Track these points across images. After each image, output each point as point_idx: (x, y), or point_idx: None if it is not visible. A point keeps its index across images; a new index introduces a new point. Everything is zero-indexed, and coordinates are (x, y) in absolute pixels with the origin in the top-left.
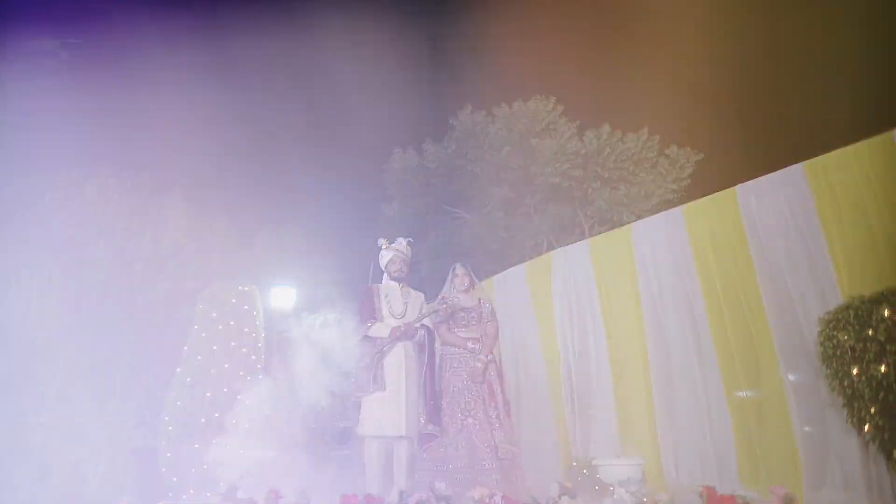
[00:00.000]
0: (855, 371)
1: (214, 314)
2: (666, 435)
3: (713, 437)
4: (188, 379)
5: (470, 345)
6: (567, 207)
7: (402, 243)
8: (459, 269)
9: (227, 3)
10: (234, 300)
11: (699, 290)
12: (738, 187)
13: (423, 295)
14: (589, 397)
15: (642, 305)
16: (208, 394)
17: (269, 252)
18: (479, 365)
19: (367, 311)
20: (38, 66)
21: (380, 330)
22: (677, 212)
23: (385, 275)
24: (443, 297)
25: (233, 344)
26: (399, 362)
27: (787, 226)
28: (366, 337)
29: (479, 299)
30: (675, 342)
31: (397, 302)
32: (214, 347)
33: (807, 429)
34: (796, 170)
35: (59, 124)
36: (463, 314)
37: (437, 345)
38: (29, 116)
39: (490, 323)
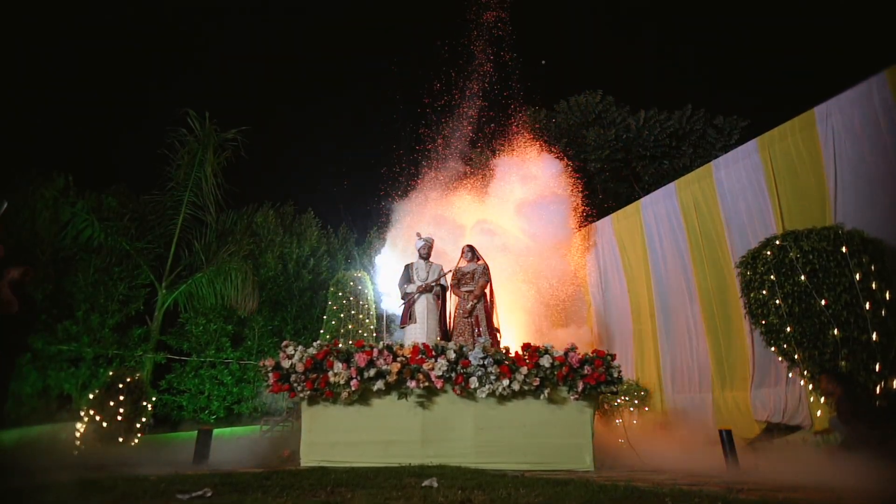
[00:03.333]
0: (752, 296)
1: (340, 293)
2: (665, 363)
3: (696, 359)
4: (328, 336)
5: (467, 295)
6: (624, 184)
7: (429, 238)
8: (465, 248)
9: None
10: (352, 283)
11: (687, 246)
12: (713, 162)
13: (442, 266)
14: (612, 338)
15: (649, 263)
16: (340, 344)
17: (376, 248)
18: (468, 306)
19: (405, 278)
20: None
21: (411, 288)
22: (672, 185)
23: (417, 255)
24: (455, 268)
25: (352, 311)
26: (423, 306)
27: (745, 189)
28: (405, 292)
29: (477, 265)
30: (672, 290)
31: (422, 271)
32: (342, 315)
33: (754, 345)
34: (751, 144)
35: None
36: (467, 276)
37: (448, 295)
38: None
39: (481, 279)
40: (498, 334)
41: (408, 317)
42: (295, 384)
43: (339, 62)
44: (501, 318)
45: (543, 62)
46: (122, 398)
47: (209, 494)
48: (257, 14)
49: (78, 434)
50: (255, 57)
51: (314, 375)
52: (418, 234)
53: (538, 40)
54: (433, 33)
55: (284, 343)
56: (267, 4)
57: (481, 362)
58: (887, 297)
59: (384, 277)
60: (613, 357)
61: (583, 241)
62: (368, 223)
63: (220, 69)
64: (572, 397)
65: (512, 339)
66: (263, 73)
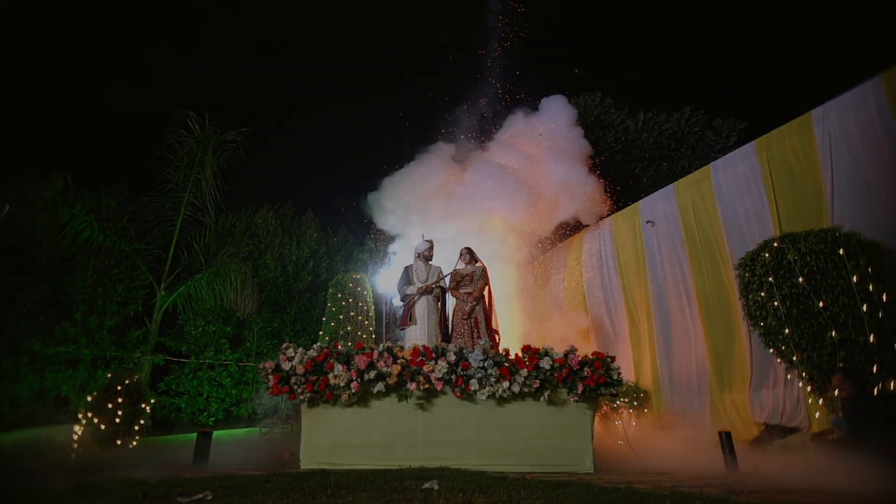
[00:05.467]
0: (750, 297)
1: (339, 294)
2: (663, 365)
3: (695, 361)
4: (326, 338)
5: (465, 297)
6: (623, 186)
7: (431, 240)
8: (463, 250)
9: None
10: (351, 284)
11: (685, 248)
12: (711, 164)
13: (441, 268)
14: (610, 339)
15: (647, 264)
16: (340, 346)
17: (375, 250)
18: (468, 308)
19: (405, 279)
20: None
21: (411, 290)
22: (670, 187)
23: (417, 256)
24: (453, 270)
25: (352, 313)
26: (423, 307)
27: (743, 190)
28: (405, 294)
29: (476, 267)
30: (670, 292)
31: (422, 273)
32: (341, 316)
33: (753, 347)
34: (749, 146)
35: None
36: (466, 278)
37: (447, 297)
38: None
39: (479, 281)
40: (497, 336)
41: (408, 318)
42: (295, 386)
43: (341, 60)
44: (499, 316)
45: (577, 71)
46: (120, 400)
47: (210, 497)
48: (257, 12)
49: (76, 436)
50: (255, 56)
51: (314, 378)
52: (422, 235)
53: (536, 40)
54: (439, 33)
55: (284, 345)
56: (269, 3)
57: (481, 364)
58: (884, 299)
59: (395, 274)
60: (613, 359)
61: (581, 242)
62: (369, 225)
63: (221, 68)
64: (572, 399)
65: (508, 338)
66: (264, 72)
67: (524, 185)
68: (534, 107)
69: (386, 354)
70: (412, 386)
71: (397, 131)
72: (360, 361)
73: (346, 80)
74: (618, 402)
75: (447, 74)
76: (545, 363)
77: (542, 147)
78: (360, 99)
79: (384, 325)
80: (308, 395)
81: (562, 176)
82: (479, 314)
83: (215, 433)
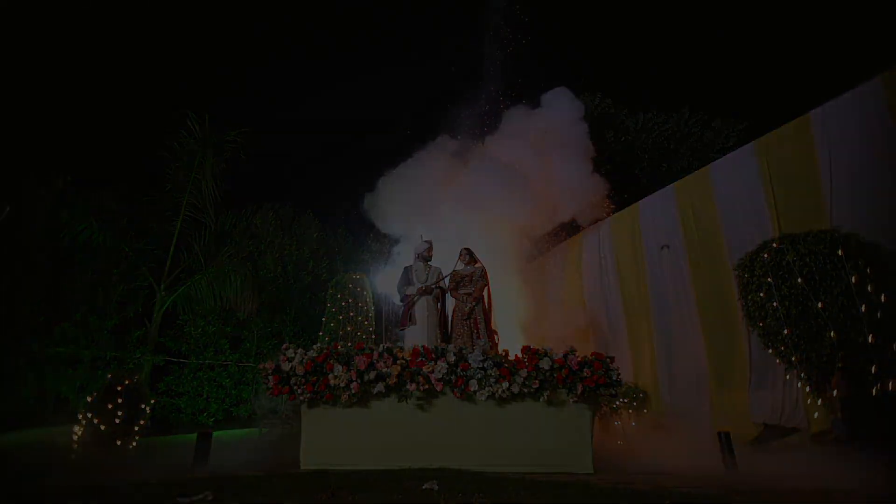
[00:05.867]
0: (749, 298)
1: (339, 294)
2: (662, 365)
3: (694, 361)
4: (326, 338)
5: (465, 297)
6: (622, 186)
7: (430, 241)
8: (463, 251)
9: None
10: (351, 284)
11: (685, 251)
12: (711, 165)
13: (440, 269)
14: (609, 340)
15: (647, 265)
16: (339, 346)
17: (375, 251)
18: (467, 308)
19: (405, 280)
20: None
21: (411, 290)
22: (669, 188)
23: (417, 257)
24: (453, 271)
25: (351, 314)
26: (423, 308)
27: (742, 191)
28: (405, 295)
29: (475, 268)
30: (669, 292)
31: (422, 274)
32: (340, 317)
33: (752, 347)
34: (748, 147)
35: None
36: (465, 279)
37: (447, 297)
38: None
39: (479, 282)
40: (496, 336)
41: (407, 319)
42: (295, 387)
43: (341, 59)
44: (497, 315)
45: (581, 80)
46: (120, 401)
47: (210, 498)
48: (255, 11)
49: (76, 437)
50: (255, 56)
51: (314, 378)
52: (421, 236)
53: (535, 40)
54: (441, 33)
55: (284, 346)
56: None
57: (481, 365)
58: (883, 300)
59: (395, 274)
60: (612, 359)
61: (580, 243)
62: (370, 229)
63: (220, 68)
64: (571, 400)
65: (507, 338)
66: (264, 71)
67: (526, 183)
68: (535, 105)
69: (386, 355)
70: (412, 386)
71: (397, 130)
72: (359, 362)
73: (346, 79)
74: (617, 403)
75: (448, 74)
76: (545, 364)
77: (546, 143)
78: (359, 98)
79: (384, 325)
80: (308, 395)
81: (565, 174)
82: (479, 315)
83: (215, 433)
